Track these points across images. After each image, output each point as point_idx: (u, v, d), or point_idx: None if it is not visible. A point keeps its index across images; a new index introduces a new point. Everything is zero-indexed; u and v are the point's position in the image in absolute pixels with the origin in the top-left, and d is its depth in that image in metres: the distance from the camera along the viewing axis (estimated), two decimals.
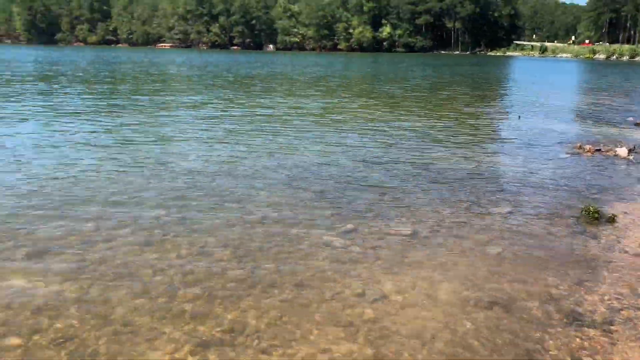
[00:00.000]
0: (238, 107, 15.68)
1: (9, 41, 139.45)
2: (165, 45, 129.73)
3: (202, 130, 11.45)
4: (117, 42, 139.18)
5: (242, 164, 8.25)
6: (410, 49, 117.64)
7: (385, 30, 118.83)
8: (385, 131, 11.72)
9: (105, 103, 16.11)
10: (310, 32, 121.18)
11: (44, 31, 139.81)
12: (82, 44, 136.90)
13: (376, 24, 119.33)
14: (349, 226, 5.57)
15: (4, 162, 7.93)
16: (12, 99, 16.10)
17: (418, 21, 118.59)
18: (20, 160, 8.07)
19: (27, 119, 12.32)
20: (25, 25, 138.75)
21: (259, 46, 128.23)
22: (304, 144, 10.02)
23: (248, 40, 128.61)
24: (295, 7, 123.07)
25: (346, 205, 6.30)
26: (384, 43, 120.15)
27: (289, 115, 14.12)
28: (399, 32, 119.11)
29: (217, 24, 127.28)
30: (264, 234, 5.31)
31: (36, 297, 3.95)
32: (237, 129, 11.74)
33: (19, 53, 61.67)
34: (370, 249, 5.02)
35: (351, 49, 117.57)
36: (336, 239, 5.23)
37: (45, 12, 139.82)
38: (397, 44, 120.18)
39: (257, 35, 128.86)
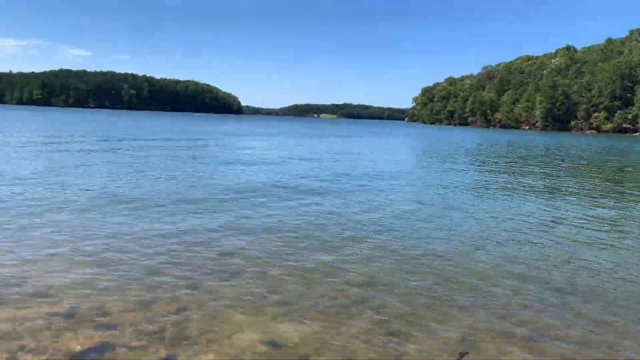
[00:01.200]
0: None
1: (527, 127, 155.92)
2: None
3: None
4: (635, 130, 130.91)
5: None
6: None
7: None
8: None
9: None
10: None
11: (560, 118, 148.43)
12: (594, 131, 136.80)
13: None
14: None
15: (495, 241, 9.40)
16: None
17: None
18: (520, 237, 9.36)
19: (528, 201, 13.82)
20: (543, 113, 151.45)
21: None
22: None
23: None
24: None
25: None
26: None
27: None
28: None
29: None
30: None
31: None
32: None
33: (532, 138, 67.90)
34: None
35: None
36: None
37: (564, 101, 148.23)
38: None
39: None
